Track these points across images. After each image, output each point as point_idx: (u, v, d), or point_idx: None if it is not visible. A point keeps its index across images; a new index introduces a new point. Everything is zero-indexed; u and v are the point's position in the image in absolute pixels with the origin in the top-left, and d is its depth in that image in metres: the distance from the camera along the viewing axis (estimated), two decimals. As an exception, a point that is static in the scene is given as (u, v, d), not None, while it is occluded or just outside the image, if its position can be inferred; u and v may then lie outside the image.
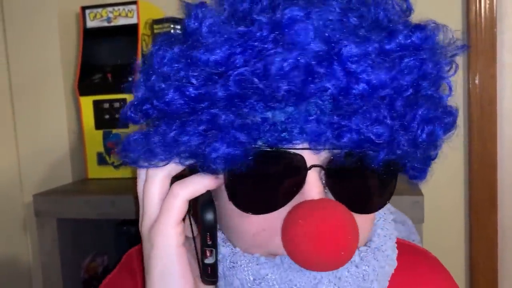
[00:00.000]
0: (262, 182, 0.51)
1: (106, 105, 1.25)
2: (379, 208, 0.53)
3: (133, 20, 1.25)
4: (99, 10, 1.26)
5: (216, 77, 0.46)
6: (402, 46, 0.47)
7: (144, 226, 0.53)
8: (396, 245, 0.58)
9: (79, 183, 1.26)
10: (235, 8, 0.51)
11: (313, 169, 0.48)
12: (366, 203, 0.52)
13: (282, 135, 0.46)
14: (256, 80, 0.44)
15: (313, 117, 0.45)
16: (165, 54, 0.50)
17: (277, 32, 0.45)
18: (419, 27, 0.48)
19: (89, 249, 1.21)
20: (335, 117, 0.45)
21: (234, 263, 0.53)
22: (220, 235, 0.55)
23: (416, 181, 0.57)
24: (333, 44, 0.45)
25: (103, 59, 1.27)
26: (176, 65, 0.49)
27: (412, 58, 0.47)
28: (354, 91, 0.44)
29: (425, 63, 0.48)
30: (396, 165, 0.51)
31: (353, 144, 0.46)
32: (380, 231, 0.57)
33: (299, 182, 0.49)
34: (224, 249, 0.55)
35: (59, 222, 1.08)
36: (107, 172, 1.25)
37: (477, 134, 1.30)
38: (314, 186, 0.48)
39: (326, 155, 0.48)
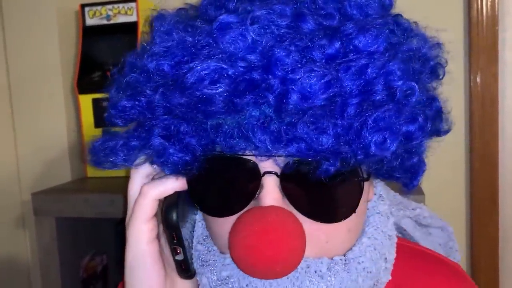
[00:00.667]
0: (219, 186, 0.52)
1: (106, 103, 1.22)
2: (344, 218, 0.51)
3: (132, 18, 1.24)
4: (99, 8, 1.25)
5: (163, 87, 0.48)
6: (344, 50, 0.45)
7: (126, 222, 0.57)
8: (392, 255, 0.56)
9: (78, 181, 1.26)
10: (197, 14, 0.52)
11: (270, 176, 0.49)
12: (326, 212, 0.50)
13: (233, 142, 0.47)
14: (187, 90, 0.45)
15: (257, 125, 0.45)
16: (126, 62, 0.54)
17: (211, 41, 0.46)
18: (365, 30, 0.45)
19: (88, 248, 1.21)
20: (279, 125, 0.45)
21: (204, 261, 0.55)
22: (204, 233, 0.58)
23: (407, 190, 0.56)
24: (266, 53, 0.44)
25: (103, 57, 1.26)
26: (133, 74, 0.51)
27: (353, 64, 0.44)
28: (290, 100, 0.43)
29: (371, 69, 0.45)
30: (357, 174, 0.50)
31: (300, 153, 0.45)
32: (366, 240, 0.55)
33: (254, 188, 0.50)
34: (200, 247, 0.57)
35: (58, 220, 1.07)
36: (107, 171, 1.21)
37: (478, 133, 1.29)
38: (268, 193, 0.49)
39: (283, 163, 0.48)
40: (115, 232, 1.31)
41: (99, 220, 1.19)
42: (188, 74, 0.45)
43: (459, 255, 0.72)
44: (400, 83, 0.45)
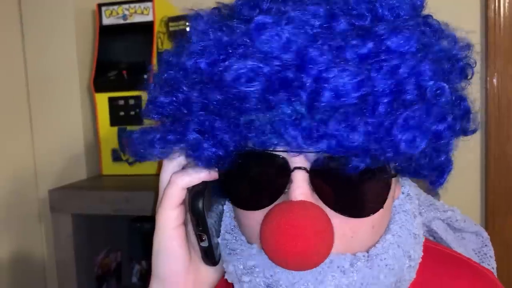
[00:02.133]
0: (250, 181, 0.55)
1: (121, 102, 1.25)
2: (372, 213, 0.52)
3: (148, 18, 1.25)
4: (115, 7, 1.26)
5: (200, 84, 0.50)
6: (376, 50, 0.46)
7: (156, 209, 0.60)
8: (417, 253, 0.57)
9: (94, 179, 1.27)
10: (231, 14, 0.54)
11: (300, 171, 0.50)
12: (354, 207, 0.52)
13: (264, 138, 0.49)
14: (223, 87, 0.47)
15: (289, 122, 0.47)
16: (162, 59, 0.56)
17: (247, 40, 0.47)
18: (397, 31, 0.46)
19: (103, 245, 1.22)
20: (311, 122, 0.46)
21: (232, 250, 0.58)
22: (232, 223, 0.61)
23: (434, 188, 0.56)
24: (300, 52, 0.45)
25: (119, 56, 1.27)
26: (170, 71, 0.54)
27: (386, 64, 0.46)
28: (322, 98, 0.44)
29: (403, 69, 0.46)
30: (385, 171, 0.51)
31: (330, 149, 0.46)
32: (390, 237, 0.55)
33: (284, 183, 0.51)
34: (228, 236, 0.60)
35: (74, 217, 1.08)
36: (121, 169, 1.25)
37: (494, 136, 1.28)
38: (297, 188, 0.50)
39: (313, 158, 0.50)
40: (130, 229, 1.33)
41: (113, 217, 1.20)
42: (225, 73, 0.47)
43: (494, 262, 0.71)
44: (431, 83, 0.46)
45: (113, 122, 1.25)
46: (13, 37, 1.31)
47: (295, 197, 0.50)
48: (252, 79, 0.45)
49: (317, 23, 0.47)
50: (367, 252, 0.54)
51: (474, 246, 0.71)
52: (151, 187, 1.11)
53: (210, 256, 0.59)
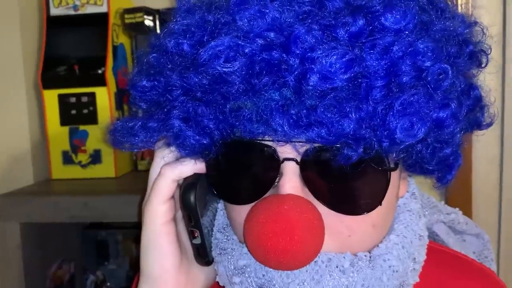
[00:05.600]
0: (237, 173, 0.51)
1: (73, 100, 1.16)
2: (367, 211, 0.48)
3: (102, 9, 1.17)
4: (65, -4, 1.17)
5: (181, 68, 0.47)
6: (369, 28, 0.43)
7: (143, 203, 0.56)
8: (421, 256, 0.54)
9: (43, 183, 1.17)
10: None
11: (289, 162, 0.47)
12: (348, 203, 0.48)
13: (252, 126, 0.45)
14: (200, 68, 0.44)
15: (276, 109, 0.43)
16: (149, 43, 0.53)
17: (229, 18, 0.44)
18: (392, 6, 0.43)
19: (56, 256, 1.12)
20: (299, 108, 0.42)
21: (222, 250, 0.54)
22: (225, 222, 0.58)
23: (441, 185, 0.54)
24: (285, 30, 0.42)
25: (69, 50, 1.18)
26: (153, 54, 0.50)
27: (379, 42, 0.42)
28: (309, 80, 0.41)
29: (398, 47, 0.42)
30: (382, 163, 0.47)
31: (320, 138, 0.43)
32: (394, 237, 0.52)
33: (273, 175, 0.48)
34: (219, 235, 0.56)
35: (22, 226, 0.98)
36: (73, 172, 1.16)
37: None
38: (287, 180, 0.47)
39: (304, 149, 0.46)
40: (83, 237, 1.25)
41: (66, 225, 1.12)
42: (202, 51, 0.43)
43: (494, 265, 0.70)
44: (428, 63, 0.43)
45: (63, 121, 1.16)
46: None
47: (285, 191, 0.47)
48: (232, 58, 0.42)
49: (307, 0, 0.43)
50: (369, 252, 0.51)
51: (475, 248, 0.70)
52: (110, 191, 1.04)
53: (203, 254, 0.56)
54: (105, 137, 0.56)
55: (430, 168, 0.52)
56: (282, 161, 0.47)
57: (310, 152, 0.45)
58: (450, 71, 0.43)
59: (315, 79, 0.40)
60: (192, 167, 0.53)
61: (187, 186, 0.53)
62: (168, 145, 0.53)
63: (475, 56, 0.51)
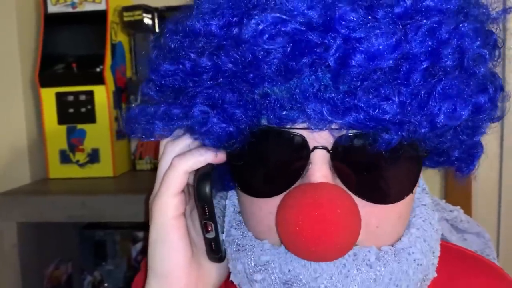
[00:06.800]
0: (264, 163, 0.49)
1: (71, 98, 1.14)
2: (400, 199, 0.48)
3: (101, 6, 1.15)
4: (63, -7, 1.16)
5: (211, 50, 0.44)
6: (414, 9, 0.41)
7: (151, 198, 0.53)
8: (438, 250, 0.53)
9: (40, 183, 1.15)
10: None
11: (319, 151, 0.45)
12: (381, 191, 0.47)
13: (282, 113, 0.43)
14: (237, 52, 0.42)
15: (312, 93, 0.41)
16: (166, 28, 0.50)
17: None
18: None
19: (53, 256, 1.11)
20: (337, 93, 0.41)
21: (240, 246, 0.52)
22: (237, 219, 0.56)
23: (462, 175, 0.53)
24: (328, 9, 0.40)
25: (67, 48, 1.17)
26: (175, 37, 0.48)
27: (424, 23, 0.41)
28: (352, 62, 0.40)
29: (444, 29, 0.41)
30: (416, 149, 0.46)
31: (359, 123, 0.41)
32: (414, 230, 0.51)
33: (302, 165, 0.46)
34: (234, 232, 0.54)
35: (20, 226, 0.96)
36: (71, 172, 1.15)
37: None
38: (317, 170, 0.45)
39: (336, 136, 0.45)
40: (81, 238, 1.23)
41: (64, 224, 1.11)
42: (243, 29, 0.41)
43: (497, 264, 0.69)
44: (474, 46, 0.43)
45: (61, 120, 1.15)
46: None
47: (315, 180, 0.45)
48: (275, 35, 0.40)
49: None
50: (393, 246, 0.50)
51: (476, 247, 0.69)
52: (108, 190, 1.03)
53: (216, 248, 0.53)
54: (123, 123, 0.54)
55: (455, 156, 0.51)
56: (312, 150, 0.46)
57: (344, 139, 0.44)
58: (487, 56, 0.44)
59: (360, 59, 0.39)
60: (206, 157, 0.50)
61: (201, 176, 0.50)
62: (191, 133, 0.51)
63: (497, 45, 0.50)
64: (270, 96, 0.43)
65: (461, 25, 0.42)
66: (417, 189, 0.57)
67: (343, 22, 0.39)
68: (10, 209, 0.95)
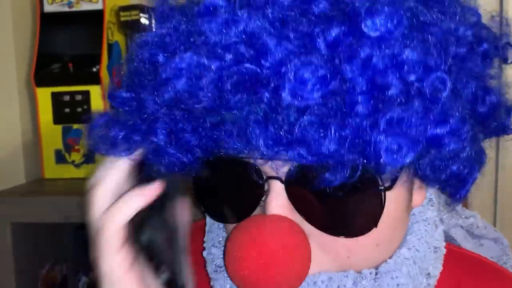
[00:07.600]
0: (224, 191, 0.49)
1: (67, 98, 1.14)
2: (362, 233, 0.44)
3: (97, 6, 1.15)
4: (59, -8, 1.16)
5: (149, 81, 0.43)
6: (350, 36, 0.37)
7: (92, 256, 0.49)
8: (437, 269, 0.51)
9: (35, 183, 1.15)
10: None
11: (275, 181, 0.44)
12: (340, 225, 0.44)
13: (234, 142, 0.41)
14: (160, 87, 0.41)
15: (255, 124, 0.39)
16: (134, 45, 0.48)
17: (190, 26, 0.41)
18: (374, 7, 0.37)
19: (48, 257, 1.10)
20: (280, 125, 0.38)
21: (219, 267, 0.51)
22: (221, 234, 0.55)
23: (454, 201, 0.48)
24: (256, 43, 0.38)
25: (63, 47, 1.17)
26: (133, 62, 0.46)
27: (359, 52, 0.37)
28: (282, 98, 0.37)
29: (379, 57, 0.37)
30: (375, 183, 0.42)
31: (301, 157, 0.38)
32: (405, 251, 0.49)
33: (259, 194, 0.45)
34: (214, 250, 0.53)
35: (14, 226, 0.96)
36: (66, 172, 1.15)
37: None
38: (272, 199, 0.44)
39: (288, 167, 0.43)
40: (75, 238, 1.22)
41: (59, 225, 1.10)
42: (161, 70, 0.40)
43: None
44: (416, 76, 0.37)
45: (56, 120, 1.15)
46: None
47: (270, 210, 0.44)
48: (197, 75, 0.38)
49: (285, 3, 0.38)
50: (376, 268, 0.47)
51: (493, 253, 0.66)
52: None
53: (174, 285, 0.49)
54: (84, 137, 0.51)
55: (437, 186, 0.47)
56: (266, 180, 0.44)
57: (293, 172, 0.42)
58: (447, 81, 0.38)
59: (287, 97, 0.37)
60: (137, 204, 0.46)
61: (136, 227, 0.47)
62: (146, 159, 0.47)
63: (490, 54, 0.45)
64: (222, 124, 0.41)
65: (405, 51, 0.37)
66: (423, 202, 0.53)
67: (269, 56, 0.37)
68: (4, 210, 0.95)
